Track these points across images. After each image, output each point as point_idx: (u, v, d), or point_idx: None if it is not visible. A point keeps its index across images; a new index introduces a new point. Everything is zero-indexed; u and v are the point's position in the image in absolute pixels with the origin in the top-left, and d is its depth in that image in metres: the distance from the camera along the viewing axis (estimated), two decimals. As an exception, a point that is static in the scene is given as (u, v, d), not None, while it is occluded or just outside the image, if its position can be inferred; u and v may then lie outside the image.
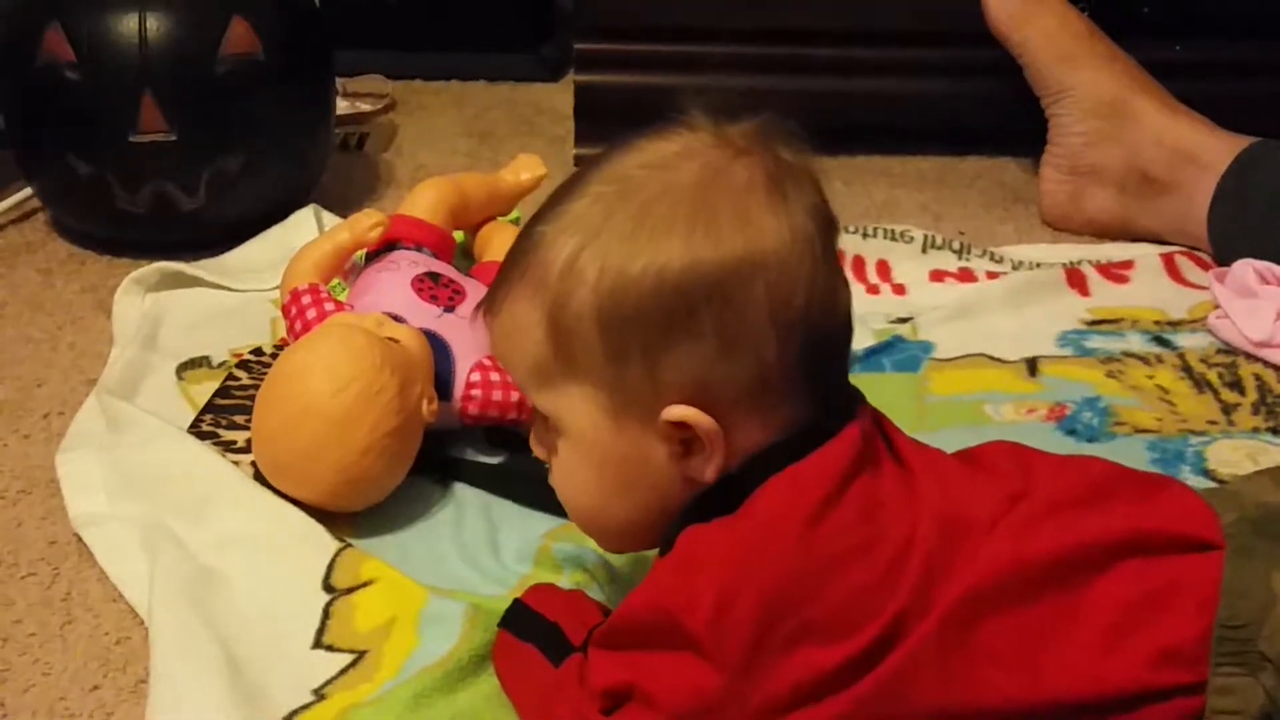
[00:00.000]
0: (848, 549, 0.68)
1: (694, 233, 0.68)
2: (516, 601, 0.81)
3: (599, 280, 0.68)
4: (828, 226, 0.71)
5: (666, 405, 0.69)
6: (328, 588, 0.88)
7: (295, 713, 0.79)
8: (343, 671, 0.82)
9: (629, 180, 0.70)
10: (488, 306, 0.75)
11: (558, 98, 1.75)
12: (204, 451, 1.00)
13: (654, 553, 0.80)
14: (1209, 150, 1.34)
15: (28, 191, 1.42)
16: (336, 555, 0.90)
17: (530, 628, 0.78)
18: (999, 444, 0.77)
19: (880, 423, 0.75)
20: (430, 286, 1.06)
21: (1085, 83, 1.40)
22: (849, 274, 0.81)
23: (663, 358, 0.68)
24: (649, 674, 0.69)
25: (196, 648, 0.82)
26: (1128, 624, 0.68)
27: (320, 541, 0.91)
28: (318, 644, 0.85)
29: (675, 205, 0.69)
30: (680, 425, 0.69)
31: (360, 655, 0.83)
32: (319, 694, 0.81)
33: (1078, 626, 0.68)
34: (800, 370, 0.70)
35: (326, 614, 0.87)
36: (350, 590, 0.88)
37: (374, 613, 0.86)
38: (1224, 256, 1.29)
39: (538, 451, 0.77)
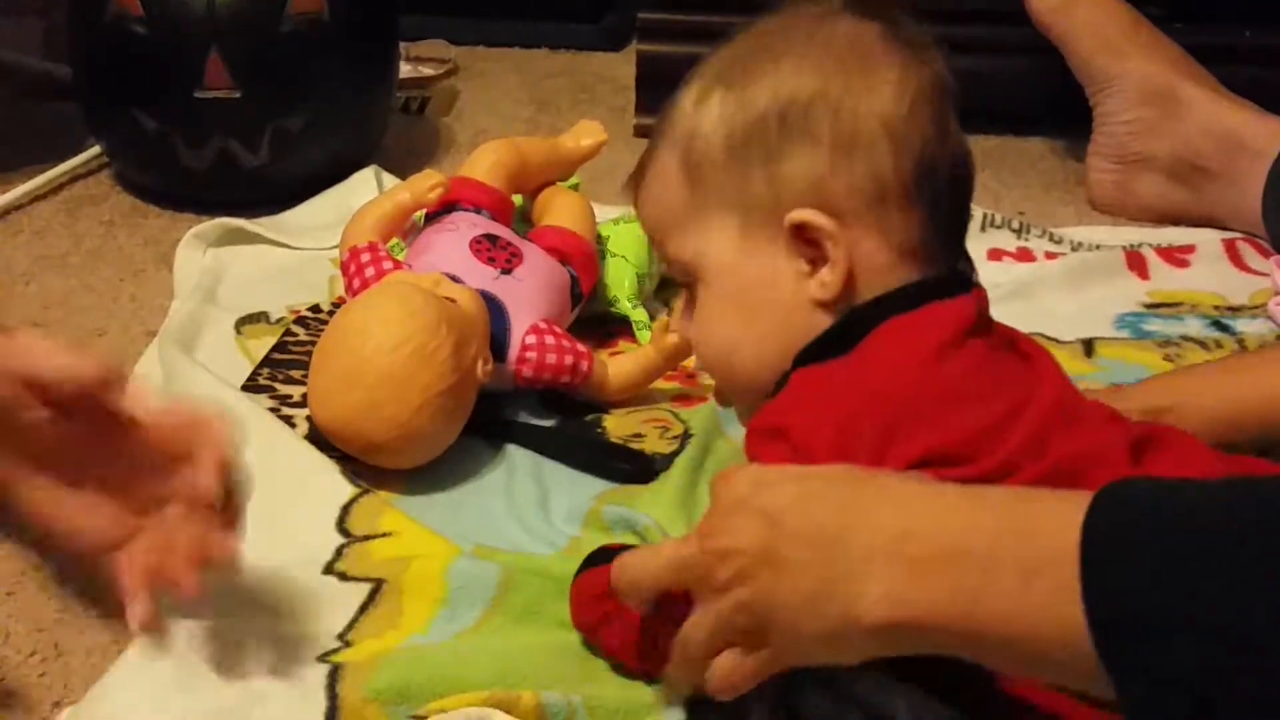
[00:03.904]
0: (965, 388, 0.69)
1: (809, 50, 0.74)
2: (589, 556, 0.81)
3: (724, 102, 0.74)
4: (944, 82, 0.75)
5: (788, 211, 0.72)
6: (343, 531, 0.89)
7: (325, 655, 0.79)
8: (363, 609, 0.82)
9: (751, 31, 0.77)
10: (631, 183, 0.79)
11: (619, 67, 1.76)
12: (230, 390, 1.01)
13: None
14: (1258, 137, 1.33)
15: (95, 150, 1.44)
16: (354, 500, 0.91)
17: (601, 557, 0.79)
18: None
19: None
20: (488, 248, 1.07)
21: (1131, 73, 1.38)
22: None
23: (782, 163, 0.72)
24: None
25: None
26: None
27: (335, 483, 0.92)
28: (329, 570, 0.85)
29: (791, 33, 0.75)
30: (804, 234, 0.72)
31: (377, 585, 0.84)
32: (343, 640, 0.81)
33: None
34: (918, 193, 0.72)
35: (339, 554, 0.87)
36: (367, 538, 0.88)
37: (391, 551, 0.87)
38: None
39: (685, 331, 0.79)
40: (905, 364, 0.70)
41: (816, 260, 0.72)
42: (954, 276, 0.75)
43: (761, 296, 0.74)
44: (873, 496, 0.63)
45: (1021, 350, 0.75)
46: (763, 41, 0.75)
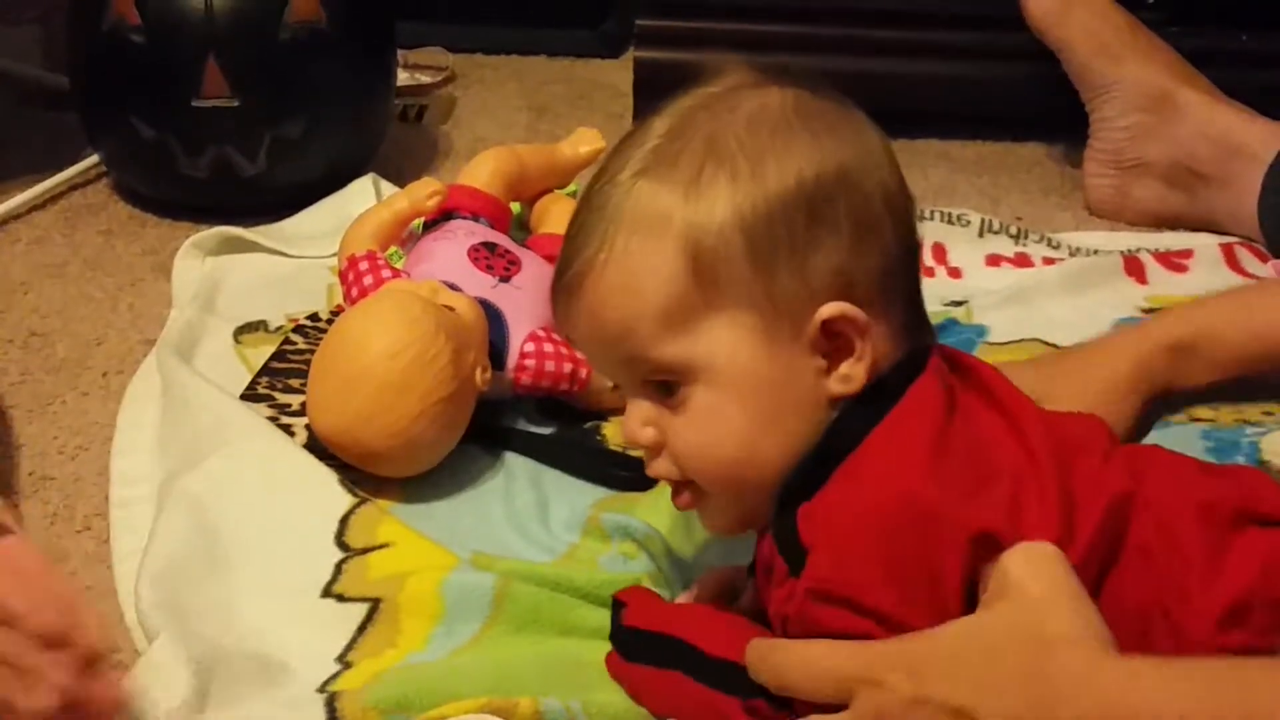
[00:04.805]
0: (973, 465, 0.68)
1: (817, 134, 0.69)
2: (629, 631, 0.78)
3: (734, 191, 0.68)
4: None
5: (818, 306, 0.68)
6: (341, 545, 0.88)
7: (325, 683, 0.78)
8: (361, 630, 0.82)
9: (712, 108, 0.71)
10: (574, 282, 0.72)
11: (617, 74, 1.76)
12: (229, 398, 1.01)
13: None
14: (1254, 141, 1.33)
15: (94, 159, 1.44)
16: (352, 510, 0.90)
17: (659, 652, 0.76)
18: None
19: (954, 358, 0.74)
20: (486, 256, 1.07)
21: (1128, 77, 1.39)
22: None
23: (810, 256, 0.68)
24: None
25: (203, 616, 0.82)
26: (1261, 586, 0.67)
27: (333, 493, 0.91)
28: (327, 593, 0.85)
29: (782, 114, 0.70)
30: (830, 329, 0.69)
31: (374, 605, 0.83)
32: (343, 661, 0.80)
33: (1222, 571, 0.67)
34: (905, 267, 0.71)
35: (337, 572, 0.86)
36: (365, 551, 0.88)
37: (388, 566, 0.86)
38: (1277, 248, 1.28)
39: (642, 436, 0.73)
40: (908, 466, 0.67)
41: (833, 354, 0.69)
42: (920, 338, 0.73)
43: (781, 397, 0.70)
44: (1065, 685, 0.60)
45: (983, 383, 0.73)
46: (739, 115, 0.70)
